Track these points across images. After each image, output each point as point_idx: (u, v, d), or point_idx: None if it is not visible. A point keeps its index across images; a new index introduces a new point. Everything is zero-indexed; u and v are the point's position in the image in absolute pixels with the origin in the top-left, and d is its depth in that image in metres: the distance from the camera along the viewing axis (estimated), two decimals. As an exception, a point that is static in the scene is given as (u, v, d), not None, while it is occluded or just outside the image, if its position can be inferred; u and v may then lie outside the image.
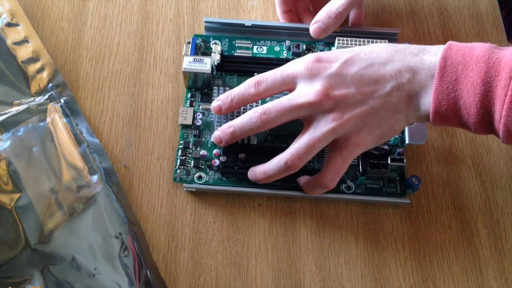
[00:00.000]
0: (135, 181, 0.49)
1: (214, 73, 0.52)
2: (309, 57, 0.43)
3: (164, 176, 0.49)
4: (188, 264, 0.46)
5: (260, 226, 0.48)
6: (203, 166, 0.48)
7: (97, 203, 0.46)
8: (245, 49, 0.54)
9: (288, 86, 0.44)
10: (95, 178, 0.47)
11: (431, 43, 0.55)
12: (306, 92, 0.42)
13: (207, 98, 0.51)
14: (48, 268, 0.44)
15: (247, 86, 0.45)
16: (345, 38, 0.52)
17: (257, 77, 0.44)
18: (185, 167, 0.48)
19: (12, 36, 0.53)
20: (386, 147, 0.48)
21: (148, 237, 0.47)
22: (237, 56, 0.53)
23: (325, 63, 0.42)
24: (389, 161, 0.47)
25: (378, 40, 0.52)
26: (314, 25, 0.51)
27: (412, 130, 0.48)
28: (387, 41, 0.50)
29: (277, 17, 0.57)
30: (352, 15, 0.54)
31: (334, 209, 0.48)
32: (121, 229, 0.45)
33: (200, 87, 0.51)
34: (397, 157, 0.48)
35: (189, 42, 0.52)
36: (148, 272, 0.44)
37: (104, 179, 0.47)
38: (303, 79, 0.43)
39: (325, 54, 0.43)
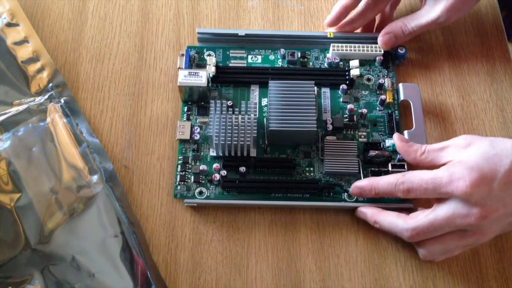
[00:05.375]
0: (135, 181, 0.49)
1: (210, 85, 0.51)
2: (467, 177, 0.40)
3: (164, 176, 0.49)
4: (188, 264, 0.46)
5: (260, 226, 0.48)
6: (203, 181, 0.48)
7: (97, 203, 0.46)
8: (239, 59, 0.53)
9: (440, 197, 0.42)
10: (95, 178, 0.47)
11: (430, 43, 0.55)
12: (463, 214, 0.40)
13: (204, 111, 0.51)
14: (48, 268, 0.44)
15: (395, 188, 0.43)
16: (339, 44, 0.52)
17: (406, 184, 0.42)
18: (185, 182, 0.48)
19: (12, 36, 0.53)
20: (386, 153, 0.48)
21: (148, 237, 0.47)
22: (232, 66, 0.53)
23: (485, 185, 0.40)
24: (390, 168, 0.47)
25: (374, 45, 0.52)
26: (385, 36, 0.51)
27: (411, 134, 0.48)
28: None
29: (277, 18, 0.57)
30: (380, 17, 0.55)
31: (335, 216, 0.48)
32: (121, 229, 0.45)
33: (196, 100, 0.51)
34: (398, 163, 0.48)
35: (183, 55, 0.52)
36: (148, 272, 0.44)
37: (104, 179, 0.47)
38: (459, 199, 0.41)
39: (483, 170, 0.40)
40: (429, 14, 0.50)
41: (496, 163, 0.40)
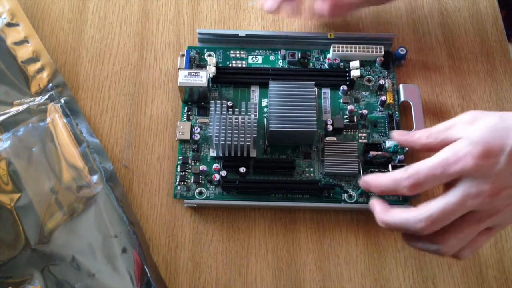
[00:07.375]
0: (135, 181, 0.49)
1: (210, 85, 0.51)
2: (473, 151, 0.38)
3: (164, 176, 0.49)
4: (188, 264, 0.46)
5: (260, 226, 0.48)
6: (203, 182, 0.48)
7: (97, 203, 0.46)
8: (240, 59, 0.53)
9: (450, 179, 0.40)
10: (95, 178, 0.47)
11: (431, 43, 0.55)
12: (474, 193, 0.39)
13: (204, 111, 0.51)
14: (48, 268, 0.44)
15: (398, 185, 0.41)
16: (340, 45, 0.52)
17: (412, 178, 0.40)
18: (185, 183, 0.48)
19: (12, 36, 0.53)
20: (387, 154, 0.48)
21: (148, 237, 0.47)
22: (233, 67, 0.53)
23: (492, 158, 0.38)
24: (390, 169, 0.47)
25: (374, 46, 0.52)
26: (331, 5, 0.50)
27: None
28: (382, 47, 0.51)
29: (277, 18, 0.57)
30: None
31: (335, 216, 0.48)
32: (121, 229, 0.45)
33: (196, 101, 0.51)
34: (398, 164, 0.48)
35: (183, 55, 0.52)
36: (148, 272, 0.44)
37: (104, 179, 0.47)
38: (469, 178, 0.39)
39: (489, 143, 0.38)
40: None
41: (503, 137, 0.38)
